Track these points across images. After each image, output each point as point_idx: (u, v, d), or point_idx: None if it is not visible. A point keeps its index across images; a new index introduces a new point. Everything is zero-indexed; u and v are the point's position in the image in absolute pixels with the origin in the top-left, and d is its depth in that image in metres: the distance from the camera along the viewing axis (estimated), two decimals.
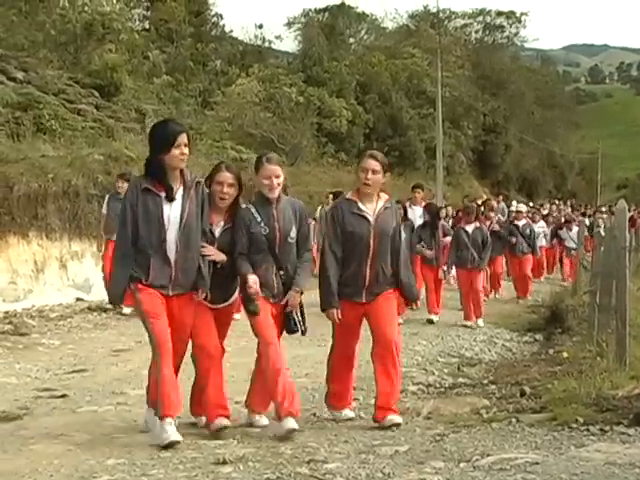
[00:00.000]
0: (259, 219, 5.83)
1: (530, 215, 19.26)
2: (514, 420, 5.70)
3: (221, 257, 5.74)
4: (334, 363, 6.35)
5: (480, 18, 55.51)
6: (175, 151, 5.45)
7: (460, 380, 8.07)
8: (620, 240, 7.47)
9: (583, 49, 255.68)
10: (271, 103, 28.39)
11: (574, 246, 19.56)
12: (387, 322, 6.08)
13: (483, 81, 48.95)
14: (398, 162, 34.05)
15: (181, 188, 5.53)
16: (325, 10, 43.24)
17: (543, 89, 58.67)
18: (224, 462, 4.91)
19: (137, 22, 32.90)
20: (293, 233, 5.92)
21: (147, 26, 33.10)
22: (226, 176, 5.85)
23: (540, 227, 19.13)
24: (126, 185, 11.96)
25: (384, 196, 6.22)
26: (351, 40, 44.67)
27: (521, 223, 16.35)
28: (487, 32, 56.22)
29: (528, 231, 16.35)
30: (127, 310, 11.66)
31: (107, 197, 12.46)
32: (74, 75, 21.36)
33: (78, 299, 13.35)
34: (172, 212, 5.49)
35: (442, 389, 7.62)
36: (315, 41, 36.56)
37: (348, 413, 6.35)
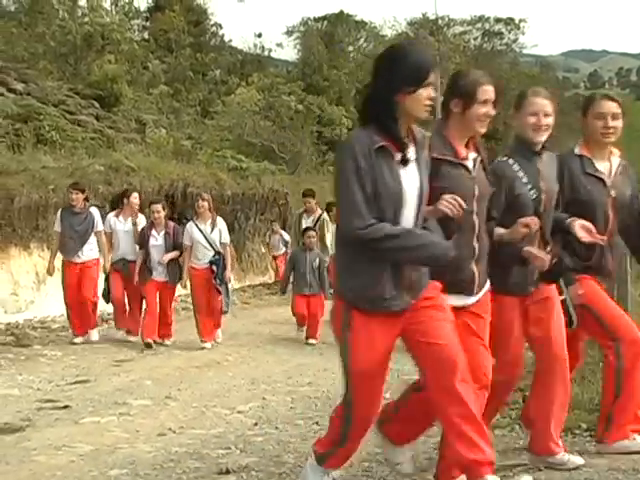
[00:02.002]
0: (523, 177, 4.37)
1: None
2: (517, 427, 5.67)
3: None
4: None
5: (479, 25, 55.58)
6: (423, 93, 3.71)
7: None
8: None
9: (582, 55, 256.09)
10: (271, 112, 28.45)
11: None
12: None
13: None
14: None
15: (412, 146, 3.80)
16: (324, 19, 43.36)
17: None
18: (227, 472, 4.90)
19: (136, 33, 33.03)
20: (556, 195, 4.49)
21: (146, 36, 33.23)
22: (491, 92, 4.14)
23: None
24: (80, 197, 10.67)
25: (616, 151, 4.85)
26: (350, 48, 44.75)
27: None
28: (486, 39, 56.28)
29: None
30: (78, 340, 10.69)
31: (59, 212, 11.02)
32: (74, 86, 21.45)
33: None
34: (410, 182, 3.74)
35: None
36: (314, 49, 36.66)
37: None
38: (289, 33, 44.88)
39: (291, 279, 11.45)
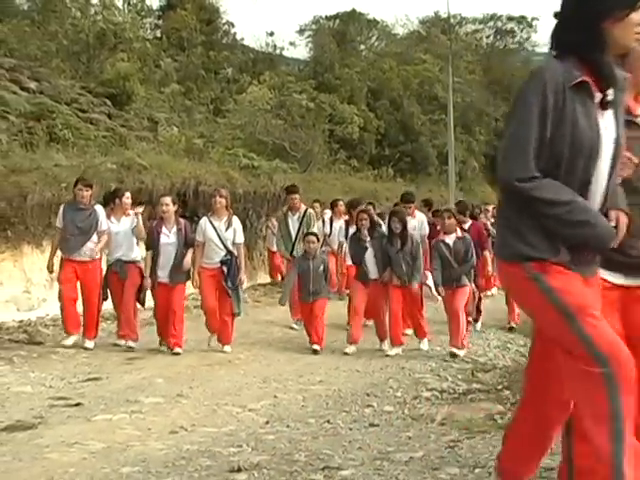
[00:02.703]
0: None
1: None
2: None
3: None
4: None
5: (491, 23, 55.47)
6: (635, 17, 3.06)
7: (474, 386, 8.05)
8: None
9: None
10: (282, 110, 28.43)
11: None
12: None
13: (494, 86, 48.88)
14: (410, 168, 34.05)
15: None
16: (336, 17, 43.28)
17: None
18: (239, 469, 4.91)
19: (149, 31, 33.07)
20: None
21: (159, 35, 33.25)
22: None
23: None
24: (89, 193, 10.11)
25: None
26: (362, 46, 44.70)
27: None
28: (498, 37, 56.15)
29: None
30: (90, 344, 10.10)
31: (62, 207, 10.34)
32: (86, 84, 21.48)
33: None
34: (607, 130, 3.11)
35: (456, 395, 7.61)
36: (326, 48, 36.66)
37: None
38: (301, 32, 44.85)
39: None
